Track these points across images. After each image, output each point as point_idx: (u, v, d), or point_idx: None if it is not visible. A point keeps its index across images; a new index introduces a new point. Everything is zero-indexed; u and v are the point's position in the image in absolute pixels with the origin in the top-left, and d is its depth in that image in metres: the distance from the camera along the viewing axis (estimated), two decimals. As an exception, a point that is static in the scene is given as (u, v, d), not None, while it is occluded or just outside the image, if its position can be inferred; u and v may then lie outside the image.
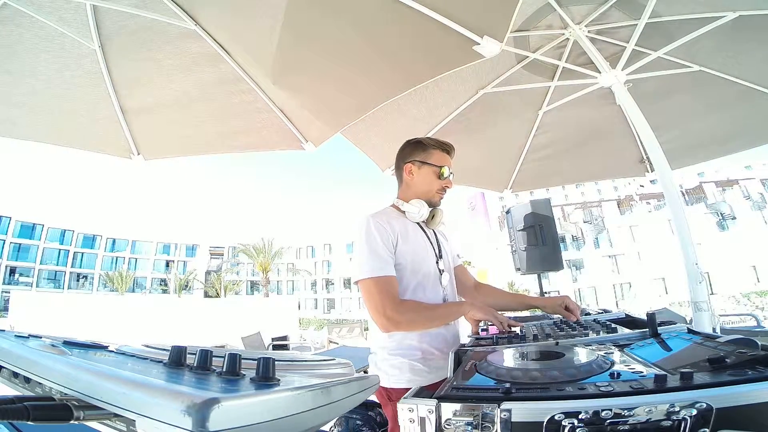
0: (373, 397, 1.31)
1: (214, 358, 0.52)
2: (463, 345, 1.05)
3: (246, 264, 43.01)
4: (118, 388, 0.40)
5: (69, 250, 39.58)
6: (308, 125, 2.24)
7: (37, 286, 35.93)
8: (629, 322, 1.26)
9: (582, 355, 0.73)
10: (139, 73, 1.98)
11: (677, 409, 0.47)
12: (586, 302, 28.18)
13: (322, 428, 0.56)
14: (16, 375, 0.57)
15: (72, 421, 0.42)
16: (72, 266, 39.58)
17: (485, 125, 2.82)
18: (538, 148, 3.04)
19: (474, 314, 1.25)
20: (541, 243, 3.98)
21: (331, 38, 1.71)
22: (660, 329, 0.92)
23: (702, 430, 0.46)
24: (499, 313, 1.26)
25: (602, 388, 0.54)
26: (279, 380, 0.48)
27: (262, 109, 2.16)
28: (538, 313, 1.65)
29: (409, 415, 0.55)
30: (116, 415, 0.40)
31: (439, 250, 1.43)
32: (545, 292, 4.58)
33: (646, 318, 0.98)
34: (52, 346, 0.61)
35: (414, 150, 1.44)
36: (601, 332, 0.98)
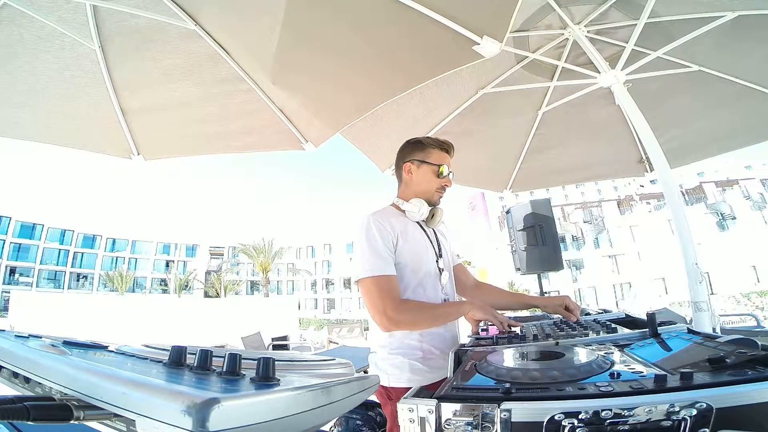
0: (373, 397, 1.31)
1: (214, 358, 0.52)
2: (463, 345, 1.05)
3: (246, 264, 43.01)
4: (118, 388, 0.40)
5: (69, 250, 39.56)
6: (308, 125, 2.25)
7: (37, 286, 35.92)
8: (629, 322, 1.26)
9: (582, 355, 0.73)
10: (139, 73, 1.98)
11: (677, 409, 0.47)
12: (586, 302, 28.18)
13: (322, 428, 0.56)
14: (16, 375, 0.57)
15: (72, 421, 0.42)
16: (72, 266, 39.57)
17: (485, 125, 2.82)
18: (538, 149, 3.04)
19: (474, 314, 1.25)
20: (541, 243, 3.98)
21: (330, 38, 1.71)
22: (660, 329, 0.92)
23: (702, 430, 0.46)
24: (499, 312, 1.26)
25: (602, 388, 0.54)
26: (279, 380, 0.48)
27: (262, 109, 2.16)
28: (538, 312, 1.66)
29: (409, 415, 0.56)
30: (116, 415, 0.40)
31: (439, 249, 1.43)
32: (545, 292, 4.57)
33: (646, 318, 0.98)
34: (52, 346, 0.61)
35: (413, 149, 1.44)
36: (601, 332, 0.98)
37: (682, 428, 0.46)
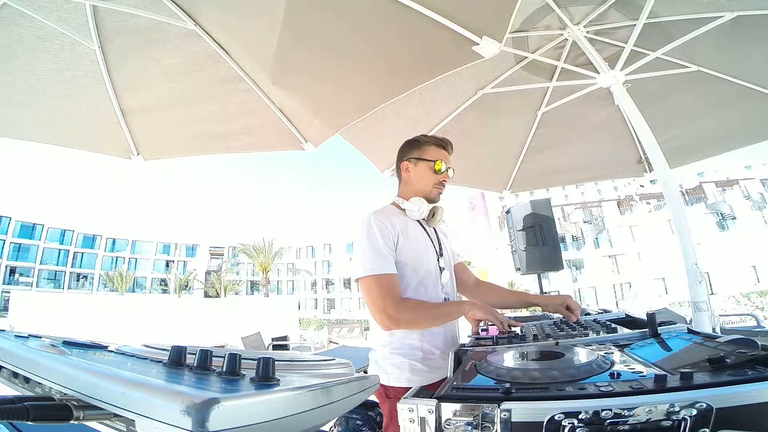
0: (373, 397, 1.31)
1: (214, 358, 0.52)
2: (463, 345, 1.05)
3: (246, 264, 43.01)
4: (118, 388, 0.40)
5: (69, 250, 39.55)
6: (308, 125, 2.25)
7: (37, 286, 35.91)
8: (629, 322, 1.27)
9: (582, 355, 0.73)
10: (139, 73, 1.98)
11: (677, 409, 0.47)
12: (586, 302, 28.17)
13: (322, 428, 0.56)
14: (16, 375, 0.57)
15: (72, 421, 0.42)
16: (72, 266, 39.57)
17: (485, 126, 2.83)
18: (538, 149, 3.04)
19: (474, 314, 1.25)
20: (541, 243, 3.98)
21: (330, 38, 1.71)
22: (660, 329, 0.92)
23: (702, 430, 0.46)
24: (500, 312, 1.26)
25: (602, 388, 0.54)
26: (279, 380, 0.48)
27: (262, 109, 2.16)
28: (538, 312, 1.66)
29: (409, 415, 0.55)
30: (116, 415, 0.40)
31: (440, 248, 1.43)
32: (545, 292, 4.58)
33: (646, 318, 0.98)
34: (52, 346, 0.61)
35: (410, 148, 1.46)
36: (601, 332, 0.98)
37: (682, 428, 0.46)
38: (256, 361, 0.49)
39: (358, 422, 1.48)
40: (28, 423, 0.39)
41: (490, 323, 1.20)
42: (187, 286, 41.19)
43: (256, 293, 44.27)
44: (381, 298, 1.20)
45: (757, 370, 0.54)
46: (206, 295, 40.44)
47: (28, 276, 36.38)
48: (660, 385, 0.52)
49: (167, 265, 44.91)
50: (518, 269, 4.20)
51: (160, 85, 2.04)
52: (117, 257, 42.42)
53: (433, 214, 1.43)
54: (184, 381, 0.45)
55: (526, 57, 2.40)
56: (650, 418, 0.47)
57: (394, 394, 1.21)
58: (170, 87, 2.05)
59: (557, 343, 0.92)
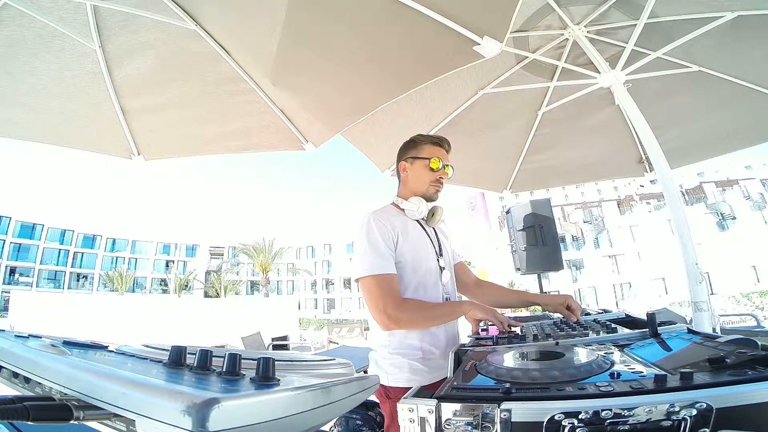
0: (373, 397, 1.31)
1: (214, 358, 0.52)
2: (463, 345, 1.05)
3: (246, 264, 43.02)
4: (118, 388, 0.40)
5: (69, 250, 39.55)
6: (308, 126, 2.24)
7: (37, 286, 35.91)
8: (629, 322, 1.26)
9: (582, 355, 0.73)
10: (139, 73, 1.98)
11: (677, 409, 0.47)
12: (586, 302, 28.17)
13: (322, 428, 0.56)
14: (16, 375, 0.57)
15: (72, 421, 0.42)
16: (72, 266, 39.57)
17: (485, 126, 2.82)
18: (538, 149, 3.04)
19: (474, 313, 1.25)
20: (541, 243, 3.98)
21: (331, 39, 1.71)
22: (660, 329, 0.92)
23: (702, 430, 0.46)
24: (500, 312, 1.26)
25: (602, 388, 0.54)
26: (279, 380, 0.48)
27: (263, 109, 2.16)
28: (539, 312, 1.65)
29: (409, 415, 0.55)
30: (116, 415, 0.40)
31: (440, 248, 1.43)
32: (545, 292, 4.57)
33: (646, 318, 0.98)
34: (52, 346, 0.61)
35: (407, 148, 1.47)
36: (601, 332, 0.98)
37: (682, 428, 0.46)
38: (256, 361, 0.49)
39: (358, 422, 1.48)
40: (29, 423, 0.39)
41: (490, 323, 1.20)
42: (187, 286, 41.19)
43: (256, 293, 44.28)
44: (381, 298, 1.20)
45: (757, 370, 0.54)
46: (206, 295, 40.45)
47: (28, 276, 36.39)
48: (660, 385, 0.52)
49: (167, 265, 44.91)
50: (518, 269, 4.20)
51: (161, 85, 2.04)
52: (117, 257, 42.42)
53: (432, 214, 1.43)
54: (184, 381, 0.45)
55: (527, 57, 2.40)
56: (650, 418, 0.47)
57: (394, 395, 1.21)
58: (171, 87, 2.05)
59: (557, 343, 0.92)
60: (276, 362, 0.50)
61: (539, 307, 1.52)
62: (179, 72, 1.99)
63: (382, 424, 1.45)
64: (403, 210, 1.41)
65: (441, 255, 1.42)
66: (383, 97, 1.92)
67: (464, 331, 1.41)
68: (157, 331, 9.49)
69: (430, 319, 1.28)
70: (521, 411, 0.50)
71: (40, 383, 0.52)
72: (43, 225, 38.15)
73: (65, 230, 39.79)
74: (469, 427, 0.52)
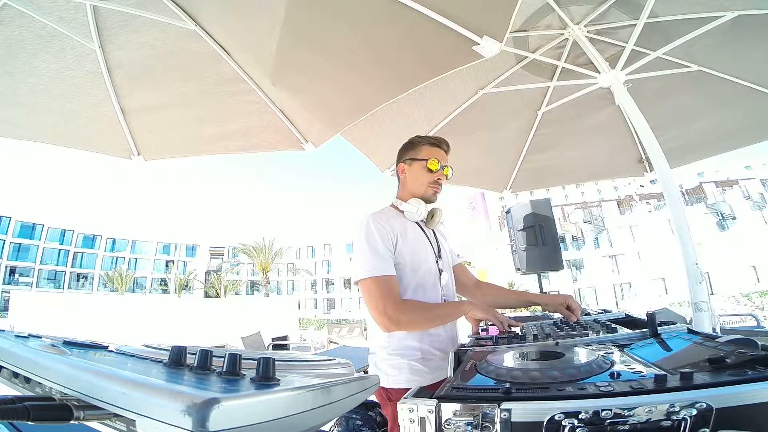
0: (373, 397, 1.31)
1: (214, 358, 0.52)
2: (463, 345, 1.05)
3: (246, 264, 43.02)
4: (118, 388, 0.40)
5: (69, 250, 39.55)
6: (308, 126, 2.24)
7: (37, 286, 35.90)
8: (629, 322, 1.27)
9: (582, 355, 0.73)
10: (139, 73, 1.98)
11: (677, 409, 0.47)
12: (586, 302, 28.17)
13: (322, 428, 0.56)
14: (16, 375, 0.57)
15: (72, 421, 0.42)
16: (72, 266, 39.56)
17: (485, 126, 2.82)
18: (538, 149, 3.04)
19: (474, 314, 1.25)
20: (541, 243, 3.98)
21: (331, 38, 1.71)
22: (660, 329, 0.92)
23: (702, 430, 0.46)
24: (500, 312, 1.26)
25: (602, 388, 0.54)
26: (279, 380, 0.48)
27: (263, 109, 2.16)
28: (539, 312, 1.66)
29: (409, 415, 0.55)
30: (116, 415, 0.40)
31: (439, 250, 1.43)
32: (545, 292, 4.57)
33: (646, 318, 0.98)
34: (52, 346, 0.61)
35: (405, 150, 1.47)
36: (601, 332, 0.98)
37: (682, 428, 0.46)
38: (256, 361, 0.49)
39: (358, 422, 1.48)
40: (29, 423, 0.39)
41: (490, 323, 1.20)
42: (187, 286, 41.19)
43: (256, 293, 44.29)
44: (381, 299, 1.20)
45: (757, 370, 0.54)
46: (206, 295, 40.45)
47: (28, 276, 36.38)
48: (660, 385, 0.52)
49: (167, 265, 44.91)
50: (518, 269, 4.20)
51: (161, 86, 2.04)
52: (117, 257, 42.42)
53: (432, 215, 1.43)
54: (184, 381, 0.45)
55: (527, 57, 2.40)
56: (650, 418, 0.47)
57: (395, 397, 1.21)
58: (171, 87, 2.05)
59: (557, 343, 0.92)
60: (276, 362, 0.50)
61: (539, 307, 1.52)
62: (179, 72, 1.99)
63: (381, 424, 1.45)
64: (402, 212, 1.41)
65: (440, 257, 1.42)
66: (383, 97, 1.92)
67: (464, 331, 1.41)
68: (157, 331, 9.49)
69: (430, 320, 1.28)
70: (521, 411, 0.50)
71: (40, 383, 0.52)
72: (43, 225, 38.14)
73: (65, 230, 39.79)
74: (469, 427, 0.52)
